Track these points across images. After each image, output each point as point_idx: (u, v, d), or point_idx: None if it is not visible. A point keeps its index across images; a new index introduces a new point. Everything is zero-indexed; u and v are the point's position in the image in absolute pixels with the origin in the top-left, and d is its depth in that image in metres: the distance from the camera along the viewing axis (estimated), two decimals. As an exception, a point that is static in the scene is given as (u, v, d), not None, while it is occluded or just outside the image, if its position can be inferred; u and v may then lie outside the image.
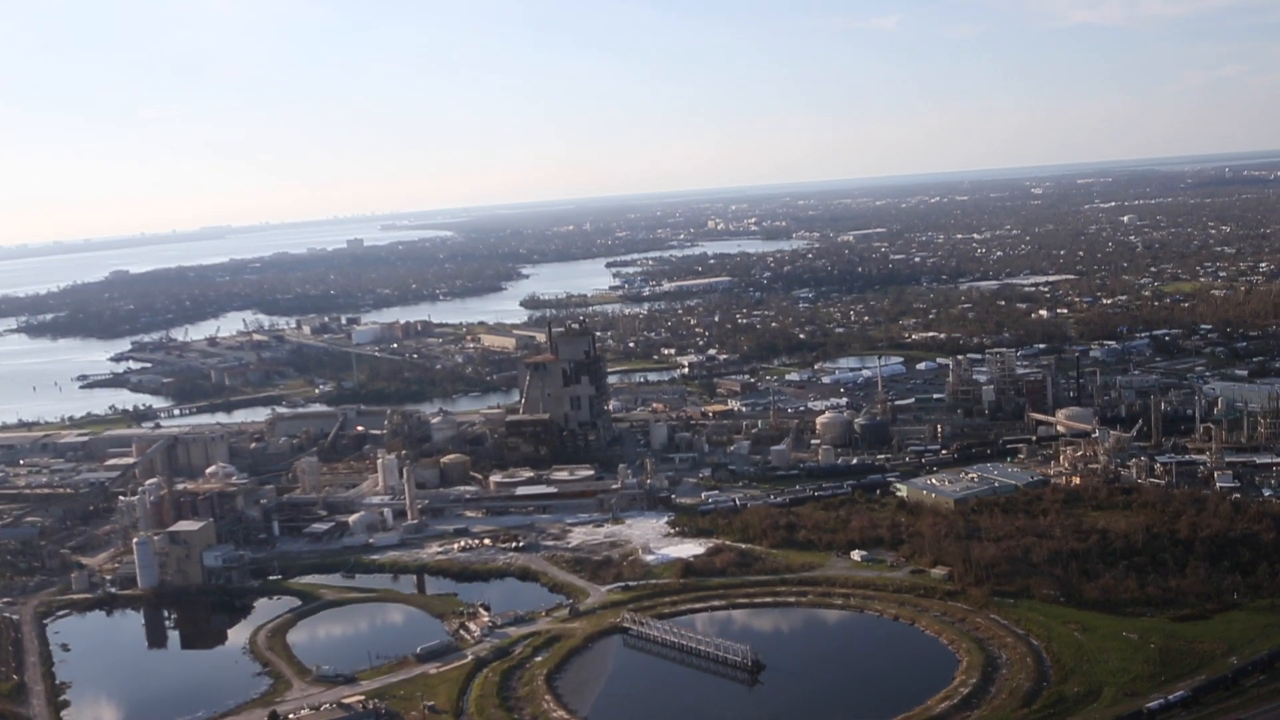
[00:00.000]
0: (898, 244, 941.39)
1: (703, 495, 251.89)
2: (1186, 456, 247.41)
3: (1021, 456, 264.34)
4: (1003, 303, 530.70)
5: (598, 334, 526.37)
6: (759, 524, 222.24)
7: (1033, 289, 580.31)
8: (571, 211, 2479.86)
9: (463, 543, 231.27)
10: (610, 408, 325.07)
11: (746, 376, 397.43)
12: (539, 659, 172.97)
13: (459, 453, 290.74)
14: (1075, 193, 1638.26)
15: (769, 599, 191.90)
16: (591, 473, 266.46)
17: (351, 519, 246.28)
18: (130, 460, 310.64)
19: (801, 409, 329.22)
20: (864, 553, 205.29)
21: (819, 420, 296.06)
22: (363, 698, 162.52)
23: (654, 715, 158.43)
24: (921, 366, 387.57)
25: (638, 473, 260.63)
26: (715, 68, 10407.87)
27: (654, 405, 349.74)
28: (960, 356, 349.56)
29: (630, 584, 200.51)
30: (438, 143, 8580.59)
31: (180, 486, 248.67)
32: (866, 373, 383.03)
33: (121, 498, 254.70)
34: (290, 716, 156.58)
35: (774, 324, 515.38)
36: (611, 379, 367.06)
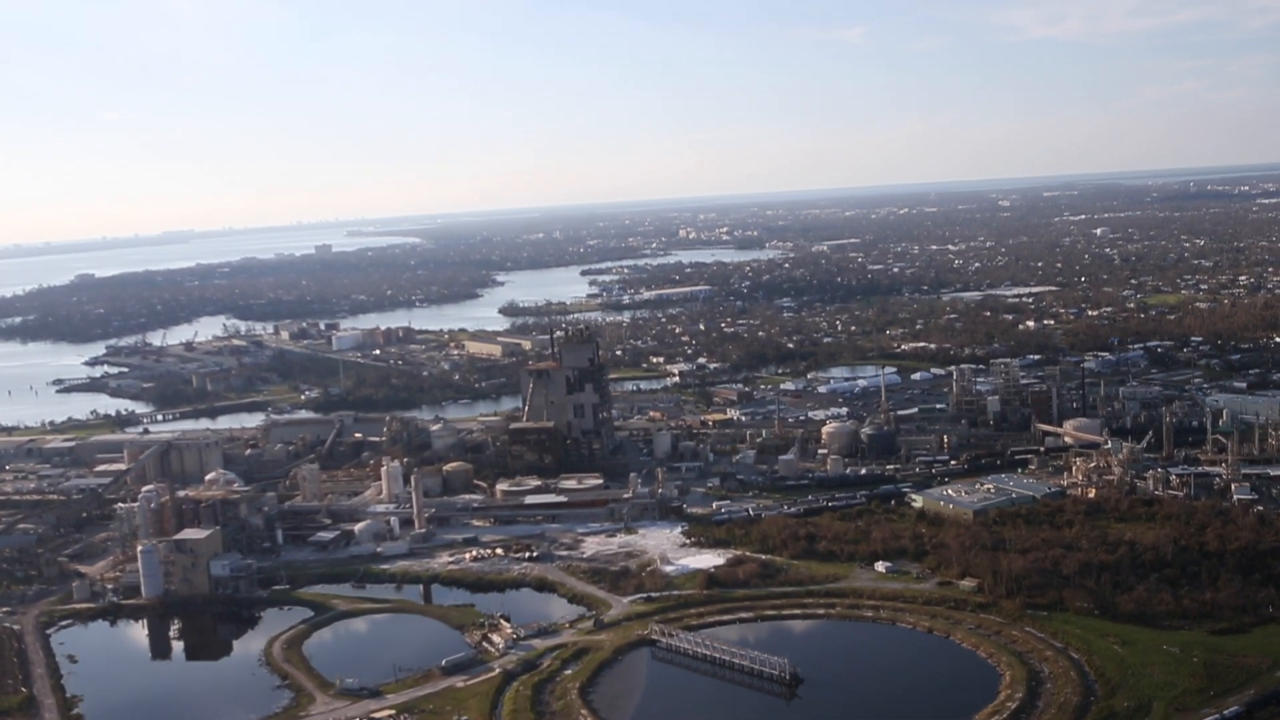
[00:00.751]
0: (873, 254, 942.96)
1: (714, 505, 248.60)
2: (1200, 468, 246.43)
3: (1032, 468, 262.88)
4: (988, 314, 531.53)
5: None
6: (778, 535, 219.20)
7: (1016, 300, 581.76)
8: (539, 219, 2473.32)
9: (474, 552, 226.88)
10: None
11: (740, 385, 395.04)
12: (568, 672, 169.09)
13: (460, 460, 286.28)
14: (1043, 205, 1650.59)
15: (797, 611, 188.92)
16: (600, 482, 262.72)
17: (357, 528, 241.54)
18: (121, 466, 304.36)
19: (802, 418, 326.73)
20: (888, 564, 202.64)
21: (825, 430, 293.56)
22: (393, 712, 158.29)
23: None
24: (917, 376, 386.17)
25: (648, 482, 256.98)
26: (684, 76, 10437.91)
27: (651, 414, 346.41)
28: (963, 367, 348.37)
29: (653, 595, 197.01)
30: (401, 149, 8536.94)
31: (182, 493, 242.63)
32: (862, 382, 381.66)
33: (121, 505, 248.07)
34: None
35: (760, 333, 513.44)
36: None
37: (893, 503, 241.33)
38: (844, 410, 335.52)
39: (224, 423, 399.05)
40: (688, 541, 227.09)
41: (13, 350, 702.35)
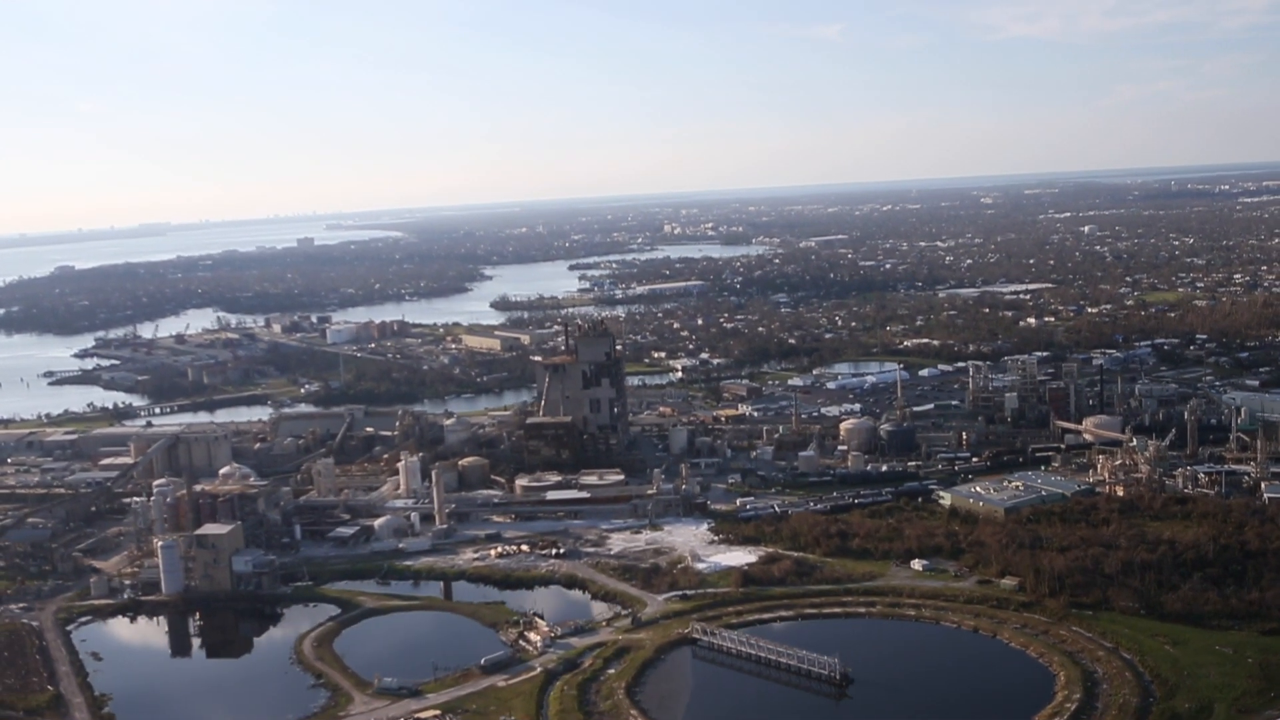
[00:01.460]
0: (863, 251, 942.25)
1: (738, 501, 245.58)
2: (1226, 466, 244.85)
3: (1055, 465, 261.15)
4: (987, 310, 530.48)
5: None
6: (809, 532, 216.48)
7: (1013, 297, 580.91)
8: (519, 214, 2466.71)
9: (499, 549, 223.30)
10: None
11: (746, 381, 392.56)
12: (612, 671, 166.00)
13: (473, 455, 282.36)
14: (1026, 203, 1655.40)
15: (837, 609, 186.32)
16: (621, 477, 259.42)
17: (377, 523, 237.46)
18: (127, 460, 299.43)
19: (815, 414, 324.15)
20: (925, 562, 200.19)
21: (843, 426, 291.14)
22: (437, 713, 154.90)
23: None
24: (925, 373, 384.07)
25: (671, 478, 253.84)
26: (660, 71, 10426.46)
27: (661, 409, 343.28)
28: (979, 363, 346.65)
29: (688, 593, 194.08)
30: (375, 143, 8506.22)
31: (199, 488, 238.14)
32: (870, 379, 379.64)
33: (135, 499, 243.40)
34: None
35: (760, 329, 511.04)
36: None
37: (920, 500, 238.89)
38: (856, 407, 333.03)
39: (222, 416, 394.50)
40: (716, 538, 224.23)
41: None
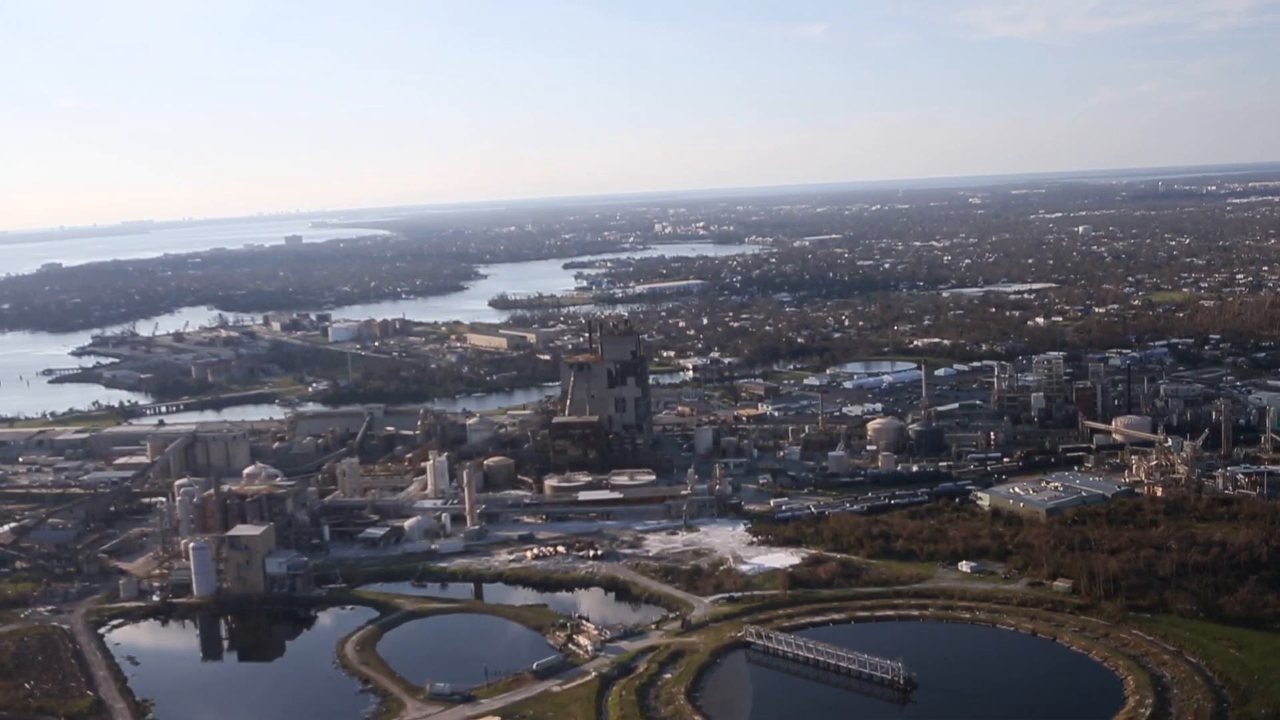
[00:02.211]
0: (858, 250, 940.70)
1: (771, 502, 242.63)
2: (1263, 467, 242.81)
3: (1089, 465, 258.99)
4: (993, 310, 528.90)
5: (584, 336, 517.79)
6: (851, 533, 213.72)
7: (1017, 296, 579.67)
8: (506, 213, 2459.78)
9: (535, 550, 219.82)
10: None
11: (759, 380, 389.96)
12: (668, 676, 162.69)
13: (497, 455, 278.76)
14: (1014, 203, 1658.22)
15: (890, 612, 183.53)
16: (652, 478, 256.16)
17: (407, 524, 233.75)
18: (142, 459, 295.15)
19: (836, 414, 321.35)
20: (973, 564, 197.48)
21: (870, 426, 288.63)
22: (498, 719, 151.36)
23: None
24: (941, 372, 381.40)
25: (703, 478, 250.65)
26: (645, 70, 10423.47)
27: (679, 408, 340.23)
28: (1006, 363, 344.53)
29: (734, 595, 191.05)
30: (359, 141, 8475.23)
31: (226, 488, 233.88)
32: (887, 378, 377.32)
33: (160, 500, 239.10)
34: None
35: (767, 327, 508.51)
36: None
37: (957, 500, 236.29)
38: (878, 406, 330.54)
39: (229, 415, 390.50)
40: (754, 540, 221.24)
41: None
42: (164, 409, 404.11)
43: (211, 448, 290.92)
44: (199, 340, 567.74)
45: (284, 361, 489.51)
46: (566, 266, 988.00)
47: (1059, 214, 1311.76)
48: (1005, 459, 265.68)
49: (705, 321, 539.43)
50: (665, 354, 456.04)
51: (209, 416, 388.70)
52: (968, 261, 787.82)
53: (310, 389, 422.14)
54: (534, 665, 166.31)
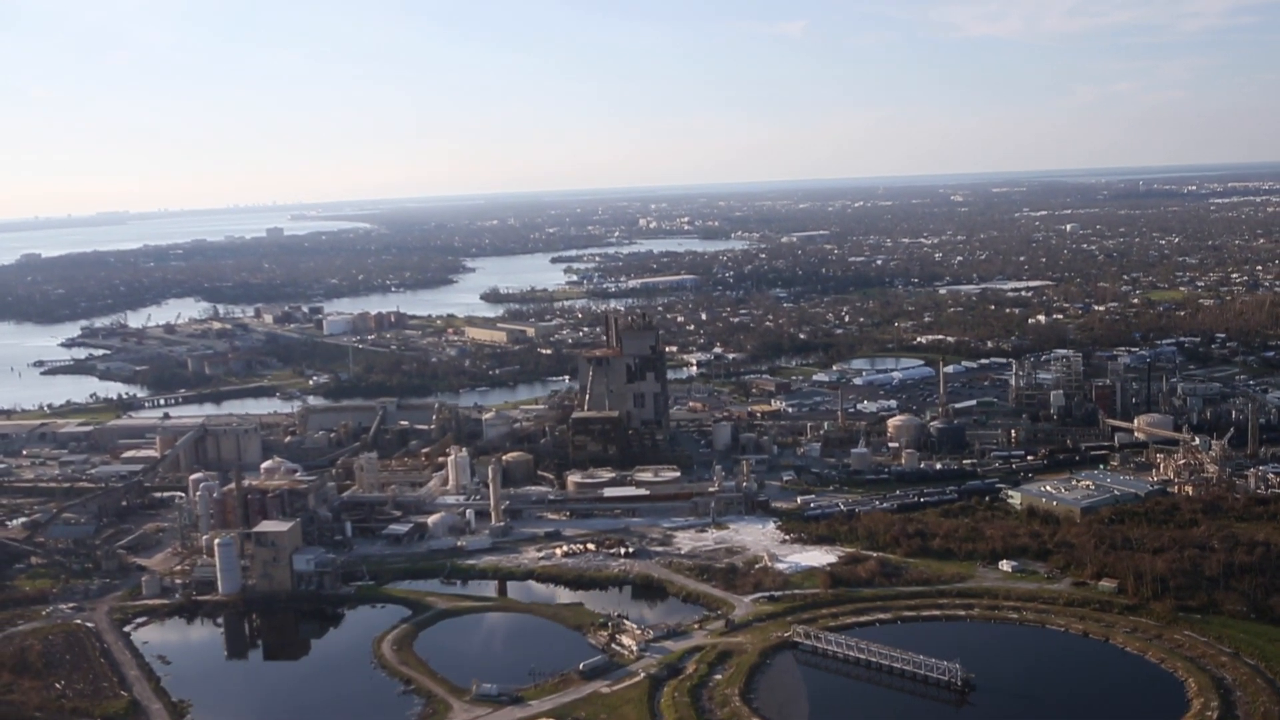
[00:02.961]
0: (846, 246, 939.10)
1: (799, 500, 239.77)
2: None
3: (1114, 464, 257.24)
4: (993, 307, 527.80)
5: (584, 330, 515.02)
6: (886, 532, 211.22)
7: (1015, 294, 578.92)
8: (486, 206, 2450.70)
9: (565, 548, 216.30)
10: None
11: (766, 375, 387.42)
12: (719, 677, 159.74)
13: (514, 450, 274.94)
14: (997, 201, 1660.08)
15: (935, 612, 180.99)
16: (677, 474, 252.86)
17: (431, 520, 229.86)
18: (150, 453, 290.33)
19: (851, 411, 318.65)
20: (1014, 563, 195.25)
21: (891, 423, 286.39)
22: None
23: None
24: (950, 370, 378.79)
25: (730, 474, 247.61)
26: (622, 66, 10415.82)
27: (691, 404, 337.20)
28: (1016, 360, 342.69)
29: (775, 595, 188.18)
30: (337, 134, 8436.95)
31: (248, 483, 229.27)
32: (897, 375, 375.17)
33: (180, 495, 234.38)
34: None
35: (767, 323, 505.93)
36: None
37: (986, 498, 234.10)
38: (892, 403, 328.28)
39: (228, 408, 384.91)
40: (786, 537, 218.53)
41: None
42: (162, 402, 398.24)
43: (222, 441, 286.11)
44: (191, 332, 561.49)
45: (281, 354, 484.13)
46: (554, 261, 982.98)
47: (1044, 212, 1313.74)
48: (1029, 457, 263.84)
49: (704, 317, 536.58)
50: (668, 349, 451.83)
51: (209, 410, 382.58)
52: (960, 259, 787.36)
53: (310, 382, 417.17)
54: (580, 666, 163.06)
